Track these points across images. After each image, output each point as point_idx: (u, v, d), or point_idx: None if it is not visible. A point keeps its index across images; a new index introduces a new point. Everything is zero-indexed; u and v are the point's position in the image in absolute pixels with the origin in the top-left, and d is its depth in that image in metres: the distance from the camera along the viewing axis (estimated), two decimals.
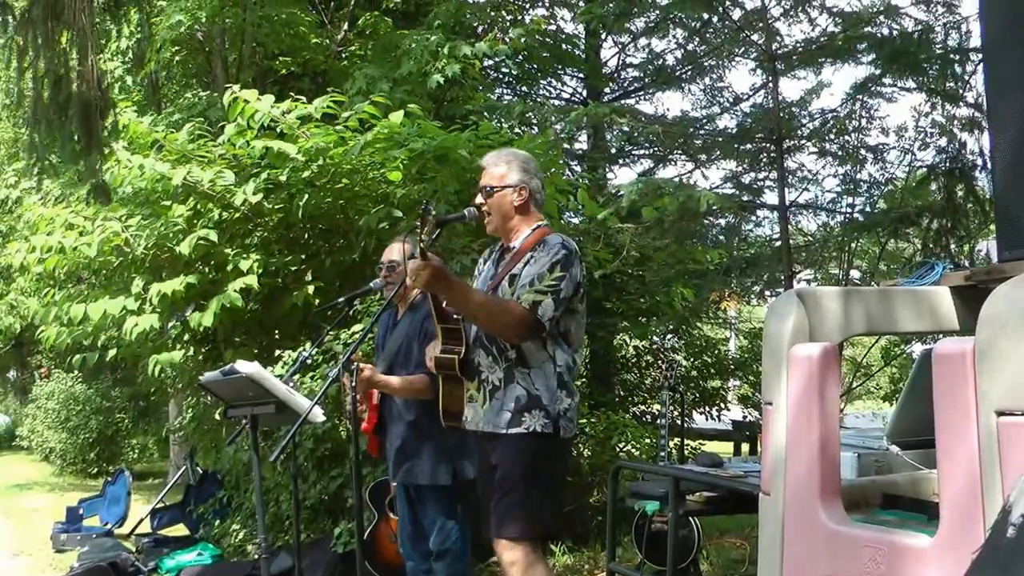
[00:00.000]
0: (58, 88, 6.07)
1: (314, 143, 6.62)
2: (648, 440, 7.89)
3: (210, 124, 8.02)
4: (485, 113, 9.93)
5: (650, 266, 9.21)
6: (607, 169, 12.10)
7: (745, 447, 10.71)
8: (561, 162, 9.45)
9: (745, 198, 9.18)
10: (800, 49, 7.97)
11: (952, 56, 7.04)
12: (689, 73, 11.58)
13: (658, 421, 8.23)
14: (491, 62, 11.19)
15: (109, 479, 9.53)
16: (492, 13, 10.76)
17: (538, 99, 12.41)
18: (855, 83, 7.89)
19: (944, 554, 2.33)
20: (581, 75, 12.47)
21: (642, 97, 12.67)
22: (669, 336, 11.58)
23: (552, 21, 11.85)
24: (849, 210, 8.47)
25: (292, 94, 7.16)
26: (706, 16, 8.81)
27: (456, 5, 9.71)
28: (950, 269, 3.45)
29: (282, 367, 6.37)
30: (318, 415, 4.18)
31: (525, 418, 3.57)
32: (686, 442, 8.64)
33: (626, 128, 10.72)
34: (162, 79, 11.00)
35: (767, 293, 9.51)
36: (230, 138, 6.93)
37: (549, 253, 3.62)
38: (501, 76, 12.47)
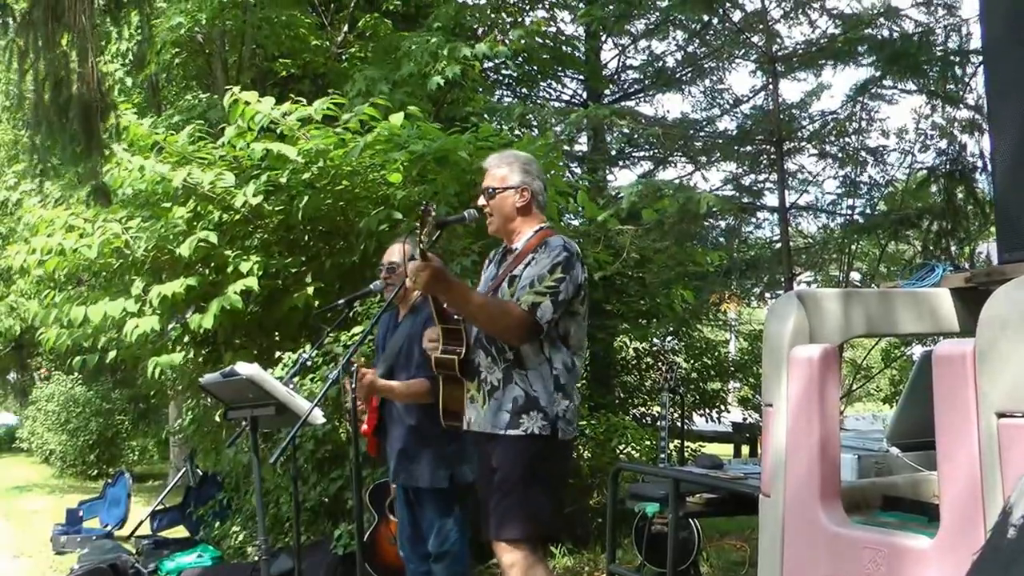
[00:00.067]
0: (59, 90, 6.08)
1: (314, 145, 6.62)
2: (648, 442, 7.89)
3: (210, 126, 8.02)
4: (485, 115, 9.93)
5: (650, 268, 9.20)
6: (607, 171, 12.10)
7: (745, 449, 10.72)
8: (561, 164, 9.44)
9: (745, 200, 9.19)
10: (800, 51, 7.97)
11: (952, 58, 7.04)
12: (689, 75, 11.58)
13: (658, 423, 8.23)
14: (491, 64, 11.19)
15: (109, 481, 9.53)
16: (492, 15, 10.77)
17: (538, 101, 12.42)
18: (855, 85, 7.89)
19: (944, 556, 2.33)
20: (581, 77, 12.48)
21: (642, 99, 12.69)
22: (669, 338, 11.57)
23: (552, 23, 11.87)
24: (849, 212, 8.47)
25: (292, 96, 7.16)
26: (706, 18, 8.82)
27: (456, 7, 9.72)
28: (950, 271, 3.45)
29: (282, 369, 6.36)
30: (318, 417, 4.18)
31: (523, 420, 3.56)
32: (686, 444, 8.65)
33: (626, 130, 10.72)
34: (162, 81, 11.01)
35: (767, 295, 9.50)
36: (230, 140, 6.93)
37: (550, 255, 3.62)
38: (501, 78, 12.47)
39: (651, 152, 11.86)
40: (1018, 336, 2.16)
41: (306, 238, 7.35)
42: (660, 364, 9.41)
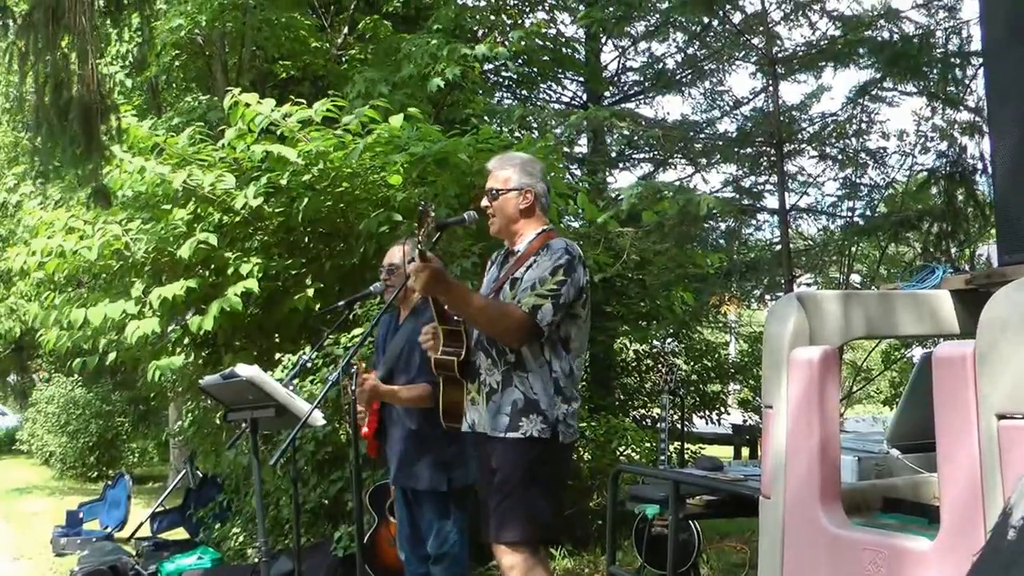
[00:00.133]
0: (59, 92, 6.07)
1: (314, 147, 6.62)
2: (648, 444, 7.89)
3: (210, 128, 8.02)
4: (485, 117, 9.94)
5: (650, 270, 9.21)
6: (607, 173, 12.11)
7: (745, 451, 10.71)
8: (561, 166, 9.44)
9: (745, 202, 9.19)
10: (800, 53, 7.98)
11: (953, 60, 7.04)
12: (689, 77, 11.59)
13: (658, 425, 8.23)
14: (491, 66, 11.20)
15: (109, 483, 9.53)
16: (492, 17, 10.77)
17: (538, 103, 12.42)
18: (856, 87, 7.90)
19: (944, 557, 2.33)
20: (581, 79, 12.49)
21: (642, 101, 12.70)
22: (669, 340, 11.58)
23: (552, 25, 11.87)
24: (849, 214, 8.47)
25: (292, 97, 7.17)
26: (706, 20, 8.83)
27: (456, 9, 9.72)
28: (950, 273, 3.45)
29: (282, 371, 6.36)
30: (318, 419, 4.17)
31: (523, 423, 3.56)
32: (686, 446, 8.64)
33: (626, 132, 10.75)
34: (162, 83, 11.02)
35: (767, 297, 9.51)
36: (230, 142, 6.94)
37: (552, 258, 3.61)
38: (501, 80, 12.48)
39: (651, 154, 11.88)
40: (1018, 338, 2.15)
41: (306, 240, 7.36)
42: (660, 366, 9.39)
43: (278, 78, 10.33)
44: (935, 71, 7.12)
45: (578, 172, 11.66)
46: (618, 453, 7.75)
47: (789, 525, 2.87)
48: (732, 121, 10.98)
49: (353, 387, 4.15)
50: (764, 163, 8.76)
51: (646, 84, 12.31)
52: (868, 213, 8.31)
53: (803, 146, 8.44)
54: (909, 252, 8.60)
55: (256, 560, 6.07)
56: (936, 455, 2.40)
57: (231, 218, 7.00)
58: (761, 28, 7.77)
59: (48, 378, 17.22)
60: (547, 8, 12.00)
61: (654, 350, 11.35)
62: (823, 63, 7.96)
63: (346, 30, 10.60)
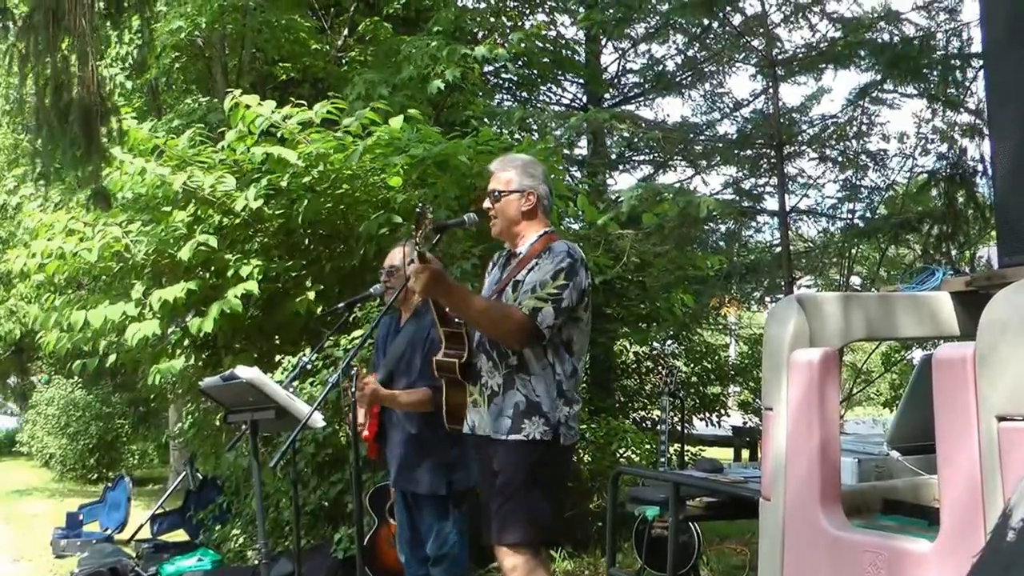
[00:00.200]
0: (59, 94, 6.07)
1: (314, 149, 6.63)
2: (648, 446, 7.89)
3: (210, 130, 8.02)
4: (485, 119, 9.94)
5: (650, 272, 9.21)
6: (607, 175, 12.11)
7: (745, 453, 10.72)
8: (561, 168, 9.44)
9: (745, 204, 9.20)
10: (801, 55, 7.99)
11: (953, 62, 7.04)
12: (689, 79, 11.61)
13: (658, 427, 8.24)
14: (491, 68, 11.21)
15: (109, 485, 9.53)
16: (492, 19, 10.77)
17: (538, 105, 12.42)
18: (856, 89, 7.90)
19: (945, 559, 2.33)
20: (581, 81, 12.50)
21: (642, 103, 12.71)
22: (669, 342, 11.58)
23: (552, 27, 11.88)
24: (849, 216, 8.48)
25: (293, 99, 7.17)
26: (706, 22, 8.84)
27: (456, 11, 9.72)
28: (950, 275, 3.45)
29: (282, 373, 6.36)
30: (318, 420, 4.17)
31: (525, 425, 3.56)
32: (686, 448, 8.63)
33: (626, 134, 10.75)
34: (162, 85, 11.01)
35: (767, 299, 9.53)
36: (230, 144, 6.94)
37: (554, 260, 3.61)
38: (501, 82, 12.49)
39: (651, 156, 11.88)
40: (1018, 340, 2.15)
41: (306, 242, 7.35)
42: (660, 368, 9.41)
43: (278, 80, 10.33)
44: (935, 73, 7.12)
45: (578, 174, 11.67)
46: (618, 455, 7.75)
47: (789, 527, 2.87)
48: (732, 123, 11.01)
49: (353, 389, 4.15)
50: (764, 165, 8.77)
51: (646, 86, 12.32)
52: (868, 215, 8.32)
53: (803, 148, 8.46)
54: (909, 254, 8.60)
55: (256, 562, 6.07)
56: (936, 457, 2.40)
57: (231, 220, 7.00)
58: (761, 30, 7.78)
59: (48, 380, 17.19)
60: (547, 10, 12.00)
61: (654, 352, 11.36)
62: (823, 65, 7.97)
63: (346, 32, 10.61)
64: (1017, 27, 3.09)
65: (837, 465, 2.84)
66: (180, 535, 8.26)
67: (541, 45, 11.04)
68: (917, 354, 8.42)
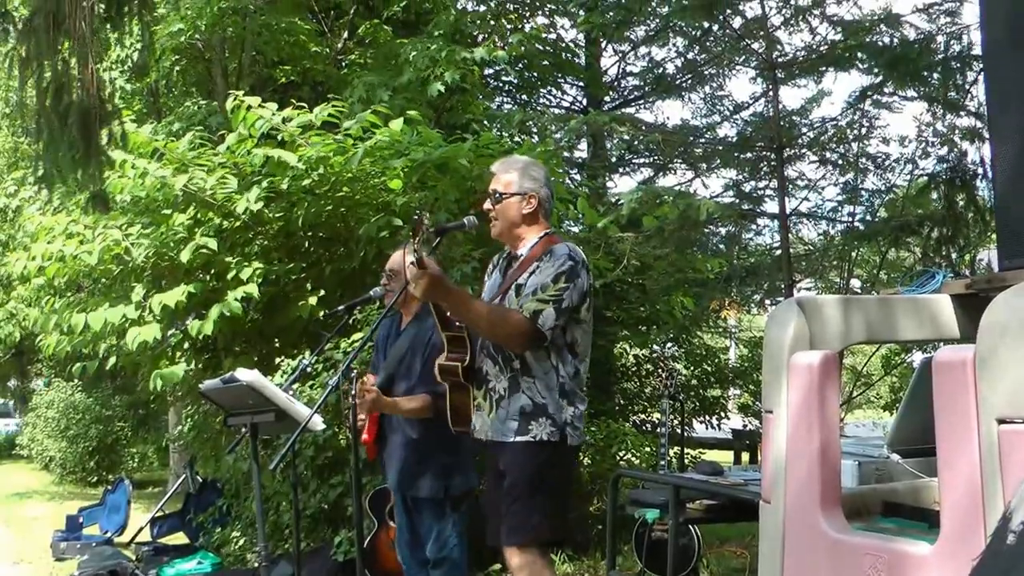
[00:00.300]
0: (59, 97, 6.07)
1: (315, 151, 6.63)
2: (648, 448, 7.89)
3: (210, 133, 8.03)
4: (485, 121, 9.94)
5: (650, 275, 9.20)
6: (607, 178, 12.12)
7: (745, 456, 10.71)
8: (561, 171, 9.45)
9: (745, 207, 9.20)
10: (801, 58, 7.98)
11: (953, 65, 7.04)
12: (689, 82, 11.62)
13: (658, 430, 8.23)
14: (491, 71, 11.21)
15: (109, 488, 9.52)
16: (492, 22, 10.78)
17: (538, 108, 12.42)
18: (856, 92, 7.90)
19: (945, 562, 2.33)
20: (581, 83, 12.50)
21: (642, 106, 12.72)
22: (669, 345, 11.56)
23: (552, 29, 11.88)
24: (849, 219, 8.48)
25: (293, 101, 7.17)
26: (706, 25, 8.82)
27: (456, 14, 9.73)
28: (951, 278, 3.45)
29: (282, 376, 6.36)
30: (318, 423, 4.17)
31: (532, 426, 3.56)
32: (686, 451, 8.64)
33: (626, 137, 10.74)
34: (162, 88, 11.01)
35: (767, 302, 9.52)
36: (231, 146, 6.94)
37: (555, 263, 3.60)
38: (501, 85, 12.50)
39: (651, 159, 11.88)
40: (1018, 343, 2.16)
41: (306, 244, 7.35)
42: (660, 371, 9.38)
43: (278, 83, 10.33)
44: (935, 76, 7.12)
45: (578, 177, 11.68)
46: (618, 458, 7.75)
47: (789, 530, 2.87)
48: (732, 126, 11.02)
49: (353, 392, 4.15)
50: (764, 168, 8.77)
51: (646, 89, 12.33)
52: (868, 218, 8.33)
53: (803, 151, 8.46)
54: (909, 257, 8.60)
55: (256, 565, 6.06)
56: (936, 460, 2.40)
57: (231, 223, 7.00)
58: (761, 33, 7.78)
59: (48, 382, 17.20)
60: (547, 13, 12.00)
61: (654, 355, 11.34)
62: (823, 68, 7.96)
63: (346, 35, 10.62)
64: (1017, 30, 3.09)
65: (837, 468, 2.84)
66: (180, 538, 8.25)
67: (541, 48, 11.05)
68: (917, 357, 8.43)
